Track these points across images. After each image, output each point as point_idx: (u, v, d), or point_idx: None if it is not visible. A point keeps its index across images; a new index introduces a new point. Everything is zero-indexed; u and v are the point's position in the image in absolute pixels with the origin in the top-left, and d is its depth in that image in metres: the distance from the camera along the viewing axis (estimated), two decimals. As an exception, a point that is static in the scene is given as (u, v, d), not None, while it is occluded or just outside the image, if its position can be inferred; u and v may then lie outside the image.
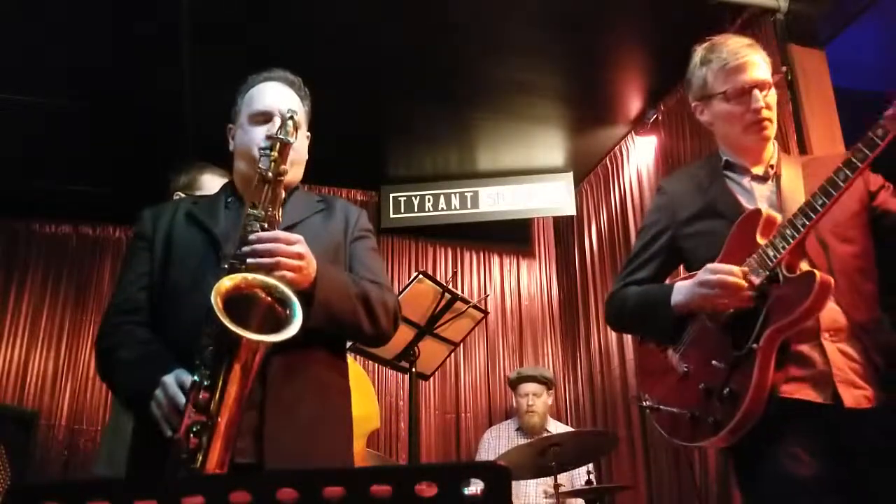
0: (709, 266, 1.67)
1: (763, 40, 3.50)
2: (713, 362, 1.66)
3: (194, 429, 1.39)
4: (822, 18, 3.42)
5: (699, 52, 1.91)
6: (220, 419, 1.40)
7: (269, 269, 1.50)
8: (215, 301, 1.38)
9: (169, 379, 1.48)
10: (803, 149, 3.21)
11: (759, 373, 1.56)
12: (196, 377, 1.42)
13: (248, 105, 1.81)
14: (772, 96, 1.83)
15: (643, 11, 3.61)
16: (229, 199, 1.81)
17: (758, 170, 1.85)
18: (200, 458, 1.38)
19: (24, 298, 4.82)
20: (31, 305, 4.82)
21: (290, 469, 1.40)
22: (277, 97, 1.79)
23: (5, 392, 4.57)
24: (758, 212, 1.69)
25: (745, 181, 1.84)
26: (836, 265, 1.66)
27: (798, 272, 1.60)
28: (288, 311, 1.46)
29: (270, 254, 1.51)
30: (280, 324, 1.45)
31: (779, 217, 1.67)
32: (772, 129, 1.83)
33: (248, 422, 1.50)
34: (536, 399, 4.14)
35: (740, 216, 1.73)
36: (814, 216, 1.57)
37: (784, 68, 3.36)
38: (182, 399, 1.43)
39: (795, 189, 1.77)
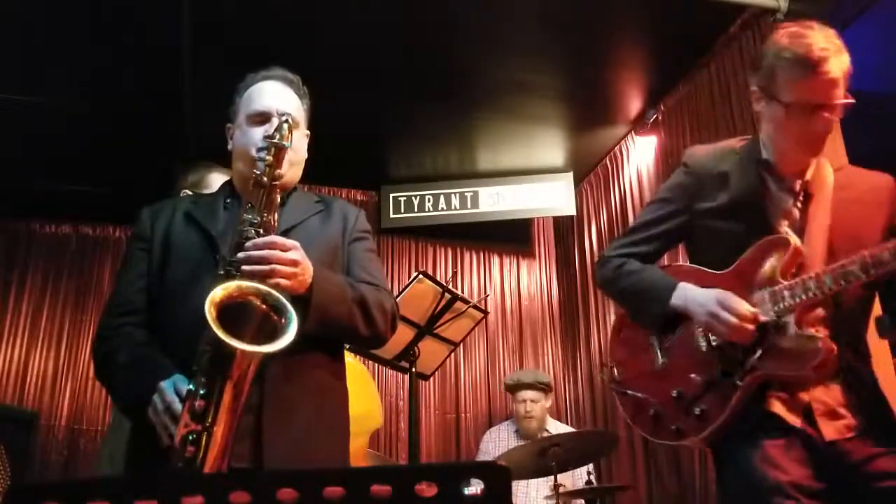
0: (723, 301, 1.61)
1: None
2: (692, 375, 1.66)
3: (190, 437, 1.38)
4: (821, 18, 3.41)
5: (781, 37, 1.68)
6: (215, 428, 1.39)
7: (263, 277, 1.49)
8: (209, 311, 1.37)
9: (166, 385, 1.48)
10: (803, 149, 3.20)
11: (735, 406, 1.58)
12: (192, 385, 1.41)
13: (246, 105, 1.80)
14: (837, 114, 1.64)
15: (643, 11, 3.61)
16: (228, 200, 1.81)
17: (792, 181, 1.72)
18: (196, 468, 1.37)
19: (24, 298, 4.82)
20: (31, 305, 4.82)
21: (290, 469, 1.40)
22: (275, 97, 1.78)
23: (5, 392, 4.57)
24: (786, 242, 1.62)
25: (775, 190, 1.72)
26: (844, 297, 1.61)
27: (804, 327, 1.57)
28: (283, 320, 1.44)
29: (265, 261, 1.50)
30: (276, 331, 1.44)
31: (802, 247, 1.62)
32: (823, 148, 1.69)
33: (246, 426, 1.50)
34: (534, 405, 4.13)
35: (767, 228, 1.66)
36: (844, 284, 1.51)
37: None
38: (179, 406, 1.43)
39: (823, 213, 1.68)
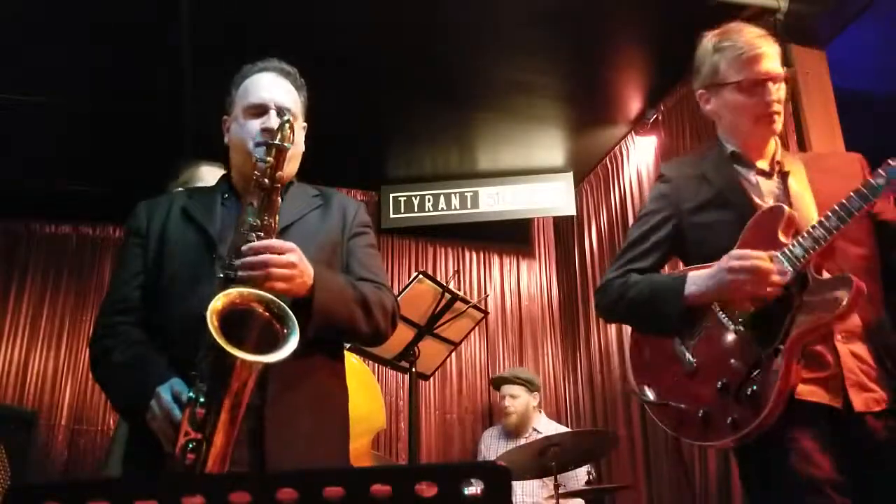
0: (735, 252, 1.62)
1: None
2: (731, 361, 1.62)
3: (190, 446, 1.38)
4: (822, 18, 3.42)
5: (711, 38, 1.85)
6: (215, 437, 1.39)
7: (260, 281, 1.47)
8: (211, 321, 1.36)
9: (164, 391, 1.46)
10: (803, 149, 3.20)
11: (784, 374, 1.53)
12: (192, 393, 1.41)
13: (242, 97, 1.77)
14: (782, 91, 1.79)
15: (643, 11, 3.61)
16: (225, 196, 1.79)
17: (762, 164, 1.82)
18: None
19: (24, 298, 4.82)
20: (31, 305, 4.82)
21: (290, 469, 1.39)
22: (272, 89, 1.76)
23: (5, 392, 4.57)
24: (781, 209, 1.66)
25: (751, 175, 1.81)
26: (846, 267, 1.63)
27: (824, 275, 1.58)
28: (285, 329, 1.43)
29: (262, 265, 1.48)
30: (277, 339, 1.43)
31: (795, 214, 1.65)
32: (779, 124, 1.81)
33: (247, 431, 1.49)
34: (514, 401, 4.18)
35: (755, 209, 1.70)
36: (849, 219, 1.55)
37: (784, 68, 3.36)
38: (178, 413, 1.41)
39: (802, 187, 1.74)
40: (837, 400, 1.58)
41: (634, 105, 4.38)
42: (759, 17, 3.54)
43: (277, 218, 1.61)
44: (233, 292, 1.44)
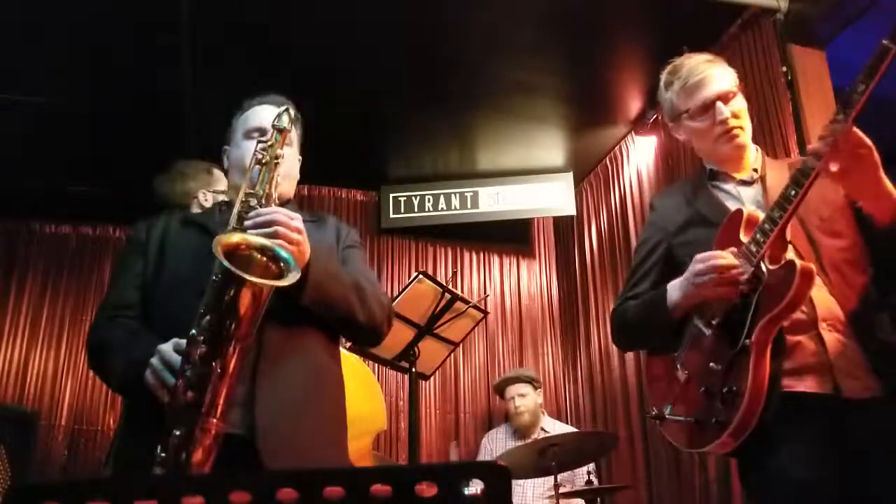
0: (699, 255, 1.68)
1: (763, 40, 3.51)
2: (710, 364, 1.66)
3: (192, 381, 1.38)
4: (822, 19, 3.42)
5: (663, 76, 1.95)
6: (219, 370, 1.39)
7: (268, 238, 1.52)
8: (216, 250, 1.39)
9: (165, 346, 1.48)
10: (803, 149, 3.20)
11: (755, 367, 1.56)
12: (193, 331, 1.42)
13: (243, 124, 1.87)
14: (737, 104, 1.85)
15: (643, 11, 3.61)
16: (223, 208, 1.88)
17: (742, 175, 1.87)
18: (198, 414, 1.38)
19: (24, 298, 4.82)
20: (31, 305, 4.82)
21: (290, 469, 1.39)
22: (272, 116, 1.81)
23: (5, 392, 4.57)
24: (739, 212, 1.71)
25: (731, 187, 1.87)
26: (826, 260, 1.67)
27: (784, 259, 1.61)
28: (282, 265, 1.48)
29: (271, 223, 1.53)
30: (278, 276, 1.47)
31: (761, 215, 1.68)
32: (744, 136, 1.85)
33: (240, 393, 1.52)
34: (523, 399, 4.19)
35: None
36: (788, 207, 1.58)
37: (784, 68, 3.36)
38: (178, 360, 1.43)
39: (781, 188, 1.78)
40: (827, 386, 1.59)
41: (634, 105, 4.38)
42: (759, 16, 3.55)
43: (275, 192, 1.66)
44: (239, 235, 1.50)
